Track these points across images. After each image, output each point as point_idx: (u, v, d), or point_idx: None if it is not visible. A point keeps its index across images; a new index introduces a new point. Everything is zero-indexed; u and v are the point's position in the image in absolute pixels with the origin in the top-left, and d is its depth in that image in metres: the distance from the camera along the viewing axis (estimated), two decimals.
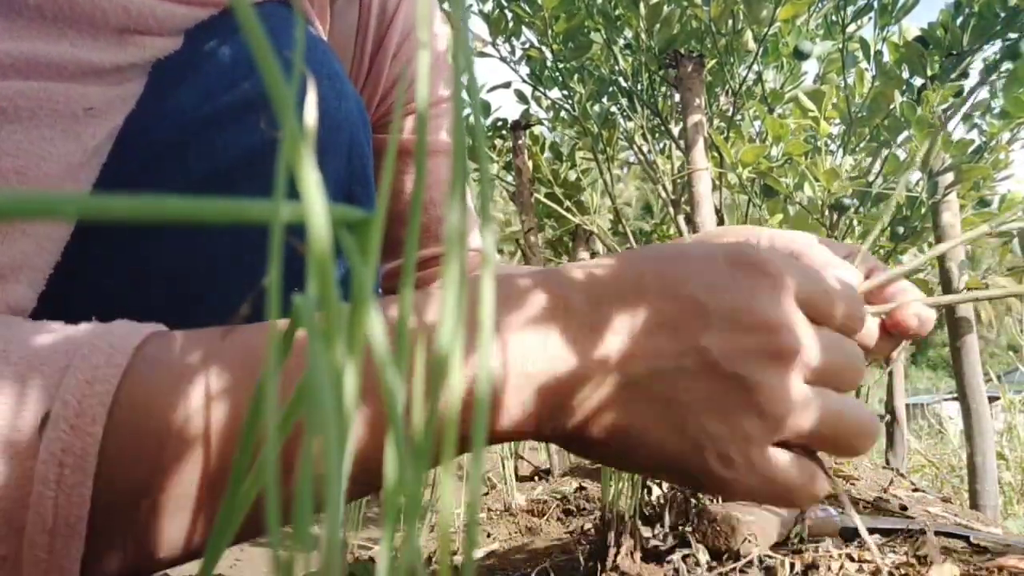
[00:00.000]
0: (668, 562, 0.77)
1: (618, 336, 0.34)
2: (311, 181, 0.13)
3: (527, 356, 0.33)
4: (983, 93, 1.44)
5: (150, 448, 0.30)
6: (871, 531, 0.86)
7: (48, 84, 0.39)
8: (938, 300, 0.51)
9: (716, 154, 1.57)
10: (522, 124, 1.93)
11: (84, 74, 0.41)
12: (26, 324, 0.33)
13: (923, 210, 1.47)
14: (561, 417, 0.34)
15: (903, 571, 0.71)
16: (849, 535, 0.84)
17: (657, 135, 2.00)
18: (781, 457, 0.35)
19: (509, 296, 0.34)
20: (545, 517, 1.22)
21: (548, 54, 1.77)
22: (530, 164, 1.95)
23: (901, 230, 1.51)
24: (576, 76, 1.82)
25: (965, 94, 1.33)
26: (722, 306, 0.34)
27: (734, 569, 0.73)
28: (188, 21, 0.46)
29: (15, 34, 0.39)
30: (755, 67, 1.59)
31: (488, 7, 1.78)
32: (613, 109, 1.91)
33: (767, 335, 0.34)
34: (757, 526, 0.77)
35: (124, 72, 0.43)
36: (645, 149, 1.95)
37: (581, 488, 1.38)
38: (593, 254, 2.32)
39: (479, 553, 1.05)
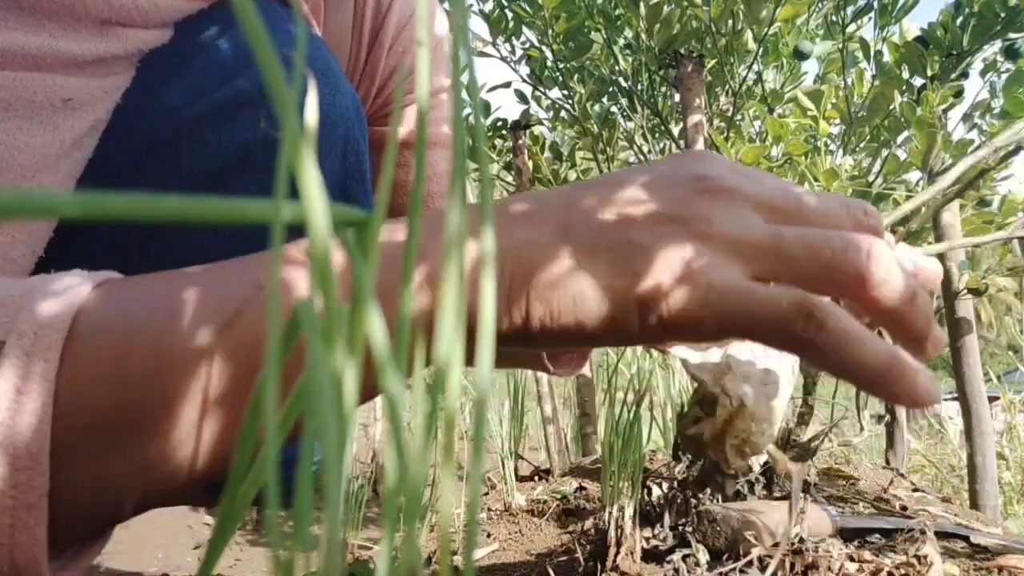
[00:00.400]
0: (668, 562, 0.77)
1: (560, 226, 0.34)
2: (311, 181, 0.13)
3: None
4: (983, 93, 1.44)
5: (111, 372, 0.30)
6: (871, 531, 0.86)
7: (24, 74, 0.39)
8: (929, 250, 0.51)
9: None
10: (522, 124, 1.93)
11: (63, 65, 0.40)
12: None
13: (923, 210, 1.47)
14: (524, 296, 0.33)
15: (903, 571, 0.71)
16: (849, 535, 0.84)
17: (657, 135, 2.00)
18: (746, 281, 0.32)
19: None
20: (545, 517, 1.22)
21: (548, 54, 1.77)
22: (530, 164, 1.95)
23: (901, 230, 1.51)
24: (576, 76, 1.82)
25: (967, 94, 1.33)
26: (655, 181, 0.35)
27: (734, 569, 0.73)
28: (174, 14, 0.46)
29: None
30: (755, 67, 1.59)
31: (488, 7, 1.78)
32: (613, 109, 1.91)
33: (695, 183, 0.34)
34: (757, 526, 0.77)
35: (108, 64, 0.43)
36: (645, 149, 1.95)
37: (581, 488, 1.38)
38: None
39: (479, 553, 1.05)
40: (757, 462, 0.91)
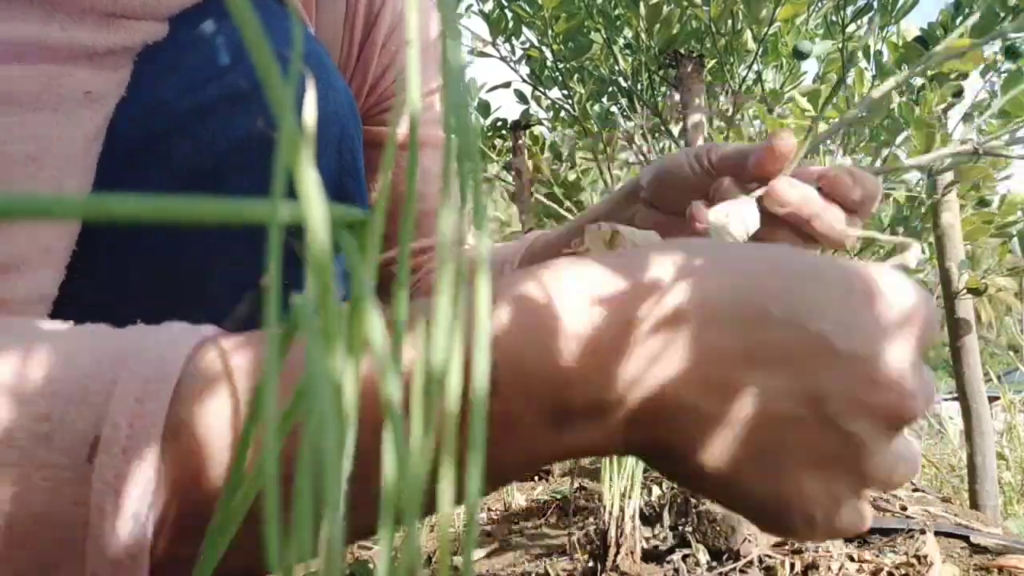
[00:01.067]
0: (668, 562, 0.77)
1: (730, 367, 0.29)
2: (310, 180, 0.13)
3: (632, 375, 0.29)
4: (982, 93, 1.44)
5: (206, 470, 0.27)
6: (871, 531, 0.86)
7: (48, 67, 0.39)
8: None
9: None
10: (522, 124, 1.93)
11: (77, 57, 0.40)
12: (64, 329, 0.30)
13: (923, 210, 1.47)
14: (653, 435, 0.30)
15: (903, 571, 0.71)
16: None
17: (657, 135, 2.00)
18: (843, 515, 0.31)
19: (604, 301, 0.29)
20: (545, 517, 1.22)
21: (548, 54, 1.77)
22: (530, 164, 1.95)
23: (901, 230, 1.51)
24: (576, 76, 1.82)
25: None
26: (852, 349, 0.29)
27: (734, 569, 0.73)
28: (174, 7, 0.46)
29: (5, 18, 0.38)
30: (755, 67, 1.59)
31: (488, 7, 1.78)
32: (613, 109, 1.91)
33: (893, 395, 0.29)
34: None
35: (116, 56, 0.43)
36: (645, 149, 1.95)
37: (581, 488, 1.38)
38: None
39: (479, 553, 1.05)
40: None
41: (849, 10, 1.42)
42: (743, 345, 0.29)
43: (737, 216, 0.48)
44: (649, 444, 0.31)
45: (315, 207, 0.13)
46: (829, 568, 0.71)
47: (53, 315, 0.39)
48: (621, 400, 0.29)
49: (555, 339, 0.29)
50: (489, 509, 1.39)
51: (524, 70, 1.89)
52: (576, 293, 0.30)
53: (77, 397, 0.27)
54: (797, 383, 0.29)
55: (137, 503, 0.26)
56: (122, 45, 0.42)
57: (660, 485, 0.95)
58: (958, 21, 1.25)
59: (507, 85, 1.99)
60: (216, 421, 0.27)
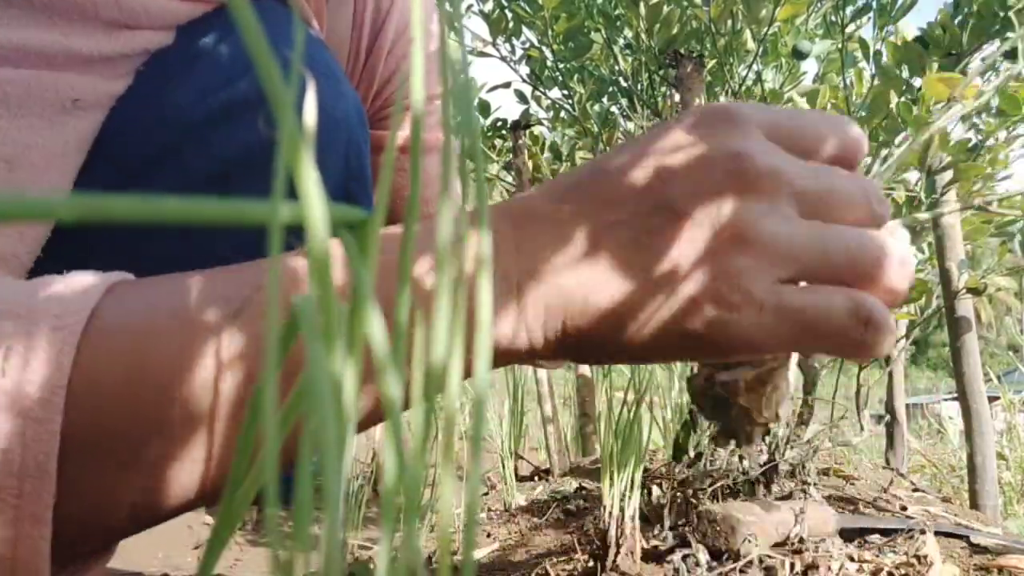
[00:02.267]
0: (668, 562, 0.77)
1: (585, 220, 0.33)
2: (310, 181, 0.13)
3: (525, 262, 0.32)
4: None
5: (124, 384, 0.28)
6: (871, 531, 0.86)
7: (38, 72, 0.39)
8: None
9: None
10: (522, 124, 1.93)
11: (73, 63, 0.40)
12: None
13: (922, 209, 1.47)
14: (555, 312, 0.33)
15: (903, 571, 0.71)
16: (849, 535, 0.84)
17: None
18: (791, 289, 0.32)
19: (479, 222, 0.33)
20: (545, 517, 1.22)
21: (548, 54, 1.77)
22: (530, 164, 1.95)
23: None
24: (576, 76, 1.82)
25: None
26: (682, 158, 0.33)
27: (734, 569, 0.73)
28: (180, 17, 0.46)
29: (3, 22, 0.38)
30: (754, 67, 1.59)
31: (488, 7, 1.78)
32: (613, 109, 1.91)
33: (729, 165, 0.32)
34: (757, 526, 0.77)
35: (115, 64, 0.43)
36: None
37: (581, 488, 1.38)
38: None
39: (479, 553, 1.05)
40: (763, 447, 0.91)
41: (849, 10, 1.42)
42: (591, 202, 0.33)
43: None
44: (553, 330, 0.33)
45: (315, 206, 0.13)
46: (829, 568, 0.71)
47: None
48: (513, 278, 0.33)
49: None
50: (489, 509, 1.39)
51: (524, 70, 1.89)
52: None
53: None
54: (641, 202, 0.32)
55: (47, 408, 0.26)
56: (121, 53, 0.43)
57: (660, 485, 0.95)
58: (957, 21, 1.26)
59: (507, 85, 1.99)
60: (136, 337, 0.29)
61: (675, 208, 0.32)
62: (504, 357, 0.34)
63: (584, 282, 0.32)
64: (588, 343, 0.33)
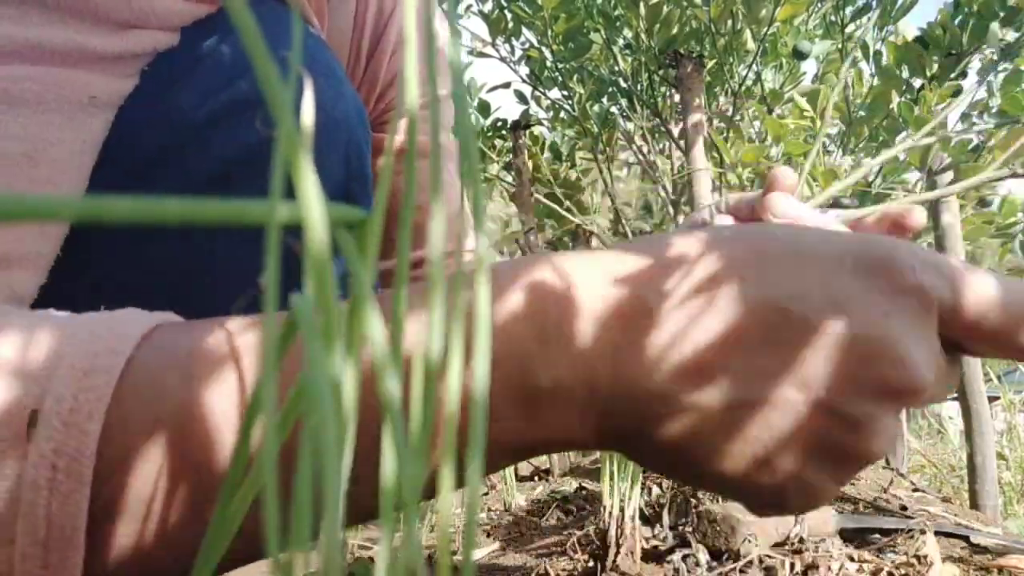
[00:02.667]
0: (668, 562, 0.77)
1: (704, 353, 0.28)
2: (309, 181, 0.13)
3: (592, 369, 0.28)
4: (981, 92, 1.44)
5: (156, 449, 0.26)
6: (871, 531, 0.86)
7: (55, 70, 0.39)
8: (922, 197, 0.51)
9: (716, 154, 1.57)
10: (522, 124, 1.93)
11: (88, 61, 0.41)
12: (21, 312, 0.30)
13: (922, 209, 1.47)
14: (626, 423, 0.29)
15: (903, 571, 0.71)
16: (849, 535, 0.84)
17: (657, 135, 2.00)
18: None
19: (566, 290, 0.28)
20: (545, 517, 1.22)
21: (548, 54, 1.78)
22: (530, 164, 1.95)
23: None
24: (575, 76, 1.82)
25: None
26: (843, 328, 0.27)
27: (734, 569, 0.73)
28: (187, 17, 0.46)
29: (18, 20, 0.39)
30: (754, 67, 1.59)
31: (488, 7, 1.78)
32: (613, 109, 1.91)
33: (892, 370, 0.28)
34: (757, 526, 0.77)
35: (126, 63, 0.43)
36: (645, 149, 1.95)
37: (581, 488, 1.38)
38: None
39: (479, 553, 1.05)
40: None
41: (848, 10, 1.42)
42: (719, 330, 0.28)
43: None
44: (624, 433, 0.29)
45: (314, 207, 0.13)
46: (829, 568, 0.71)
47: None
48: (588, 383, 0.28)
49: (519, 320, 0.28)
50: (489, 509, 1.39)
51: (524, 70, 1.89)
52: (539, 279, 0.29)
53: (21, 371, 0.26)
54: (783, 367, 0.27)
55: (74, 479, 0.25)
56: (132, 52, 0.43)
57: (660, 485, 0.95)
58: (957, 21, 1.26)
59: (507, 86, 2.00)
60: (171, 397, 0.26)
61: (816, 392, 0.28)
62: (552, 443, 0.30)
63: (675, 418, 0.29)
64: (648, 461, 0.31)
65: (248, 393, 0.28)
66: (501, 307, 0.29)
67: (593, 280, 0.29)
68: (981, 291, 0.29)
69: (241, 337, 0.28)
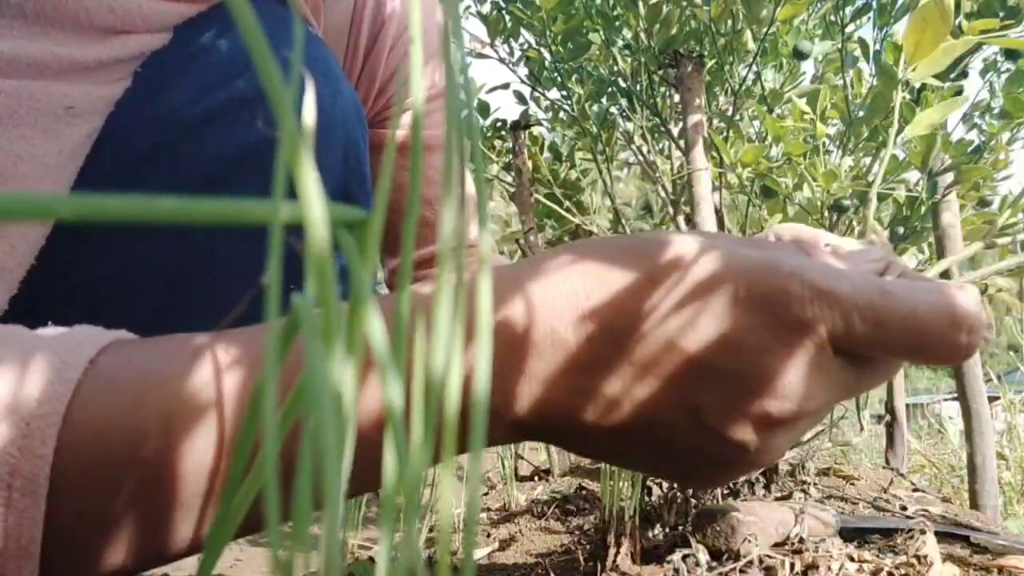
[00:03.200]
0: (668, 562, 0.77)
1: (610, 379, 0.31)
2: (310, 180, 0.13)
3: (517, 392, 0.31)
4: (982, 93, 1.44)
5: (106, 470, 0.28)
6: (871, 531, 0.86)
7: (29, 83, 0.39)
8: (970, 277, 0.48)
9: (716, 154, 1.57)
10: (521, 124, 1.93)
11: (66, 72, 0.40)
12: None
13: (923, 210, 1.47)
14: (546, 435, 0.34)
15: (903, 571, 0.71)
16: (849, 535, 0.83)
17: (656, 135, 2.00)
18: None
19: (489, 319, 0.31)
20: (545, 517, 1.22)
21: (547, 55, 1.78)
22: (530, 164, 1.95)
23: (901, 230, 1.51)
24: (575, 77, 1.82)
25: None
26: (730, 363, 0.30)
27: (734, 569, 0.73)
28: (175, 17, 0.46)
29: None
30: (754, 67, 1.59)
31: (486, 8, 1.78)
32: (612, 110, 1.91)
33: (773, 401, 0.30)
34: (757, 526, 0.77)
35: (110, 69, 0.43)
36: (644, 150, 1.95)
37: (581, 488, 1.38)
38: None
39: (479, 553, 1.05)
40: None
41: (848, 10, 1.42)
42: (623, 360, 0.31)
43: None
44: (545, 438, 0.34)
45: (314, 206, 0.13)
46: (829, 568, 0.71)
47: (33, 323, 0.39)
48: (510, 409, 0.31)
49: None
50: (489, 509, 1.39)
51: (523, 71, 1.89)
52: (505, 313, 0.32)
53: None
54: (675, 395, 0.30)
55: (28, 498, 0.27)
56: (117, 58, 0.43)
57: (660, 485, 0.95)
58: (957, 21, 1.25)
59: (506, 86, 2.00)
60: (117, 423, 0.28)
61: (703, 419, 0.31)
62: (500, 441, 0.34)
63: (591, 434, 0.33)
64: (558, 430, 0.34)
65: (195, 408, 0.29)
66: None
67: (550, 326, 0.31)
68: (874, 314, 0.31)
69: (185, 355, 0.30)
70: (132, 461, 0.28)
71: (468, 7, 1.83)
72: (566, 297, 0.31)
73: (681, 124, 1.54)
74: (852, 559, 0.73)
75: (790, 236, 0.46)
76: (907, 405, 2.28)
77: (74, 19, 0.40)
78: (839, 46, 1.44)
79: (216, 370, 0.30)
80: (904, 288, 0.31)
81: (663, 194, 1.86)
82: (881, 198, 1.44)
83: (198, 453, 0.29)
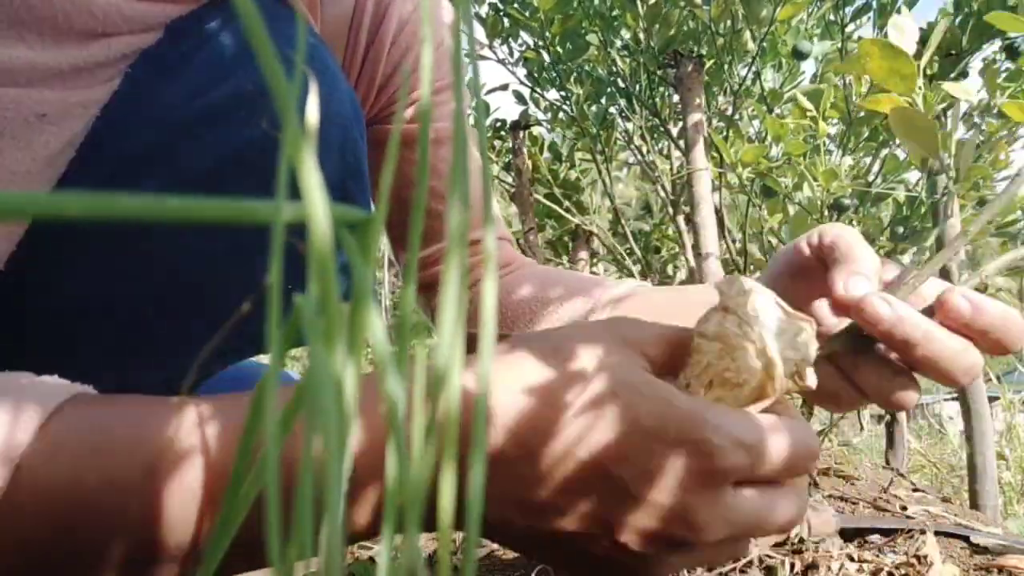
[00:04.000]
0: None
1: (538, 492, 0.34)
2: (312, 180, 0.13)
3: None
4: (982, 92, 1.44)
5: (50, 535, 0.30)
6: (871, 531, 0.86)
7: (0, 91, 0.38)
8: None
9: (716, 154, 1.57)
10: (521, 125, 1.93)
11: (40, 78, 0.40)
12: None
13: (923, 210, 1.47)
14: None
15: (903, 571, 0.71)
16: (849, 535, 0.83)
17: (656, 135, 2.00)
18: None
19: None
20: None
21: (545, 56, 1.78)
22: (529, 164, 1.96)
23: (901, 230, 1.51)
24: (573, 77, 1.82)
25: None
26: (649, 494, 0.34)
27: (734, 569, 0.73)
28: (160, 18, 0.45)
29: None
30: (754, 67, 1.59)
31: (484, 10, 1.78)
32: (611, 110, 1.91)
33: (683, 531, 0.34)
34: None
35: (90, 72, 0.42)
36: (644, 150, 1.95)
37: None
38: (593, 254, 2.32)
39: (479, 553, 1.05)
40: None
41: (848, 10, 1.42)
42: (551, 477, 0.34)
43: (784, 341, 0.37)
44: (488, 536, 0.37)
45: (317, 205, 0.13)
46: (829, 568, 0.71)
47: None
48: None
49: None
50: None
51: (522, 72, 1.89)
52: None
53: None
54: (595, 511, 0.34)
55: None
56: (98, 61, 0.42)
57: None
58: (957, 21, 1.26)
59: (505, 87, 2.00)
60: (61, 490, 0.30)
61: (617, 538, 0.35)
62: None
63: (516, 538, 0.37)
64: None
65: (146, 470, 0.31)
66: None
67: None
68: (779, 458, 0.35)
69: (135, 416, 0.32)
70: (69, 530, 0.30)
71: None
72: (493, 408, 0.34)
73: (681, 124, 1.54)
74: (852, 559, 0.73)
75: (829, 240, 0.47)
76: None
77: (51, 23, 0.40)
78: (839, 46, 1.44)
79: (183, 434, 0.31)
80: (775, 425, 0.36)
81: (663, 194, 1.86)
82: (881, 198, 1.44)
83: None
